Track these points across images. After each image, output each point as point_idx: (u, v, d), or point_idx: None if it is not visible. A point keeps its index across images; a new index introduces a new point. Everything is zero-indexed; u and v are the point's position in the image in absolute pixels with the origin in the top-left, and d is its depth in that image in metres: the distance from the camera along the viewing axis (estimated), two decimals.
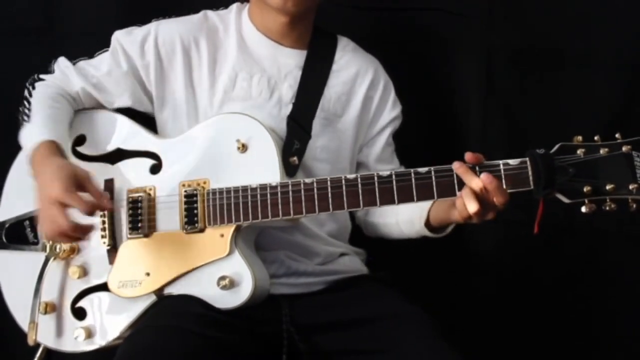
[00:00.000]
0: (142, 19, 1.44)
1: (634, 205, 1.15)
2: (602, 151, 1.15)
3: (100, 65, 1.40)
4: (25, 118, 1.34)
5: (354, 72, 1.45)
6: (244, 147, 1.27)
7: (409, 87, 1.52)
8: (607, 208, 1.15)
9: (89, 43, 1.46)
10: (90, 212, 1.19)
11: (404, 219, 1.37)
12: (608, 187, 1.14)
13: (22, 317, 1.34)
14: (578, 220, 1.59)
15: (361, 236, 1.51)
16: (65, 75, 1.40)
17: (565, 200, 1.16)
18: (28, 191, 1.36)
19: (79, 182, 1.20)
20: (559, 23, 1.63)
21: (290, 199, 1.22)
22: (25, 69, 1.42)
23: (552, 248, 1.65)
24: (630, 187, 1.13)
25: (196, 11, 1.44)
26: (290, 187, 1.23)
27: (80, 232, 1.21)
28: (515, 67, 1.66)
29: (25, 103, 1.37)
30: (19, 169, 1.41)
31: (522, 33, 1.65)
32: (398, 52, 1.65)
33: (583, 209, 1.16)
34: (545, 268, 1.67)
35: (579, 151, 1.16)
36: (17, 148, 1.39)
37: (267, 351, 1.27)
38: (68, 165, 1.23)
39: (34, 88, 1.39)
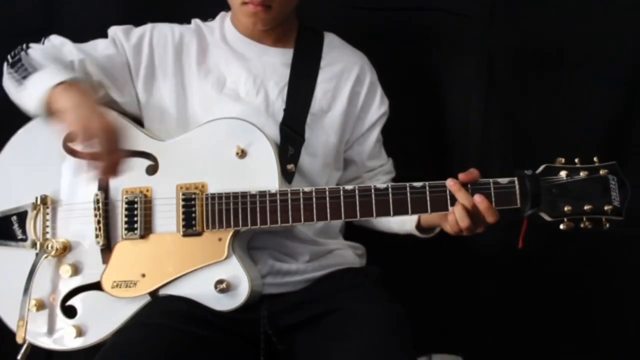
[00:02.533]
0: (141, 20, 1.44)
1: (607, 225, 1.25)
2: (582, 174, 1.24)
3: (96, 46, 1.39)
4: (30, 69, 1.25)
5: (340, 68, 1.47)
6: (243, 153, 1.29)
7: (409, 87, 1.54)
8: (583, 226, 1.25)
9: None
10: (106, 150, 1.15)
11: (395, 219, 1.42)
12: (586, 207, 1.23)
13: (8, 315, 1.33)
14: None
15: (361, 233, 1.52)
16: (57, 48, 1.36)
17: (548, 218, 1.25)
18: (14, 186, 1.37)
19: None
20: (559, 23, 1.65)
21: (290, 207, 1.25)
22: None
23: (551, 249, 1.67)
24: (606, 208, 1.23)
25: (192, 11, 1.47)
26: (289, 195, 1.26)
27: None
28: (516, 67, 1.68)
29: (23, 58, 1.29)
30: (4, 164, 1.38)
31: (522, 33, 1.66)
32: (398, 52, 1.67)
33: (561, 227, 1.24)
34: (544, 269, 1.70)
35: (562, 173, 1.24)
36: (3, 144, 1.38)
37: (248, 351, 1.31)
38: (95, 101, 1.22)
39: (27, 47, 1.32)
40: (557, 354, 1.72)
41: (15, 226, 1.34)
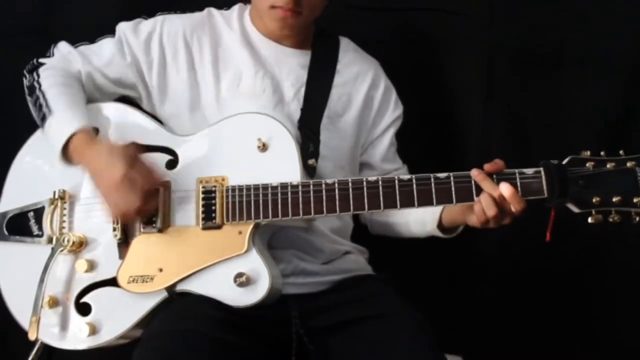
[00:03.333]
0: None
1: (637, 218, 1.22)
2: (609, 165, 1.22)
3: (102, 51, 1.40)
4: (45, 110, 1.31)
5: (355, 72, 1.47)
6: (264, 147, 1.28)
7: (409, 87, 1.53)
8: (611, 220, 1.22)
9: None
10: (152, 184, 1.22)
11: (415, 220, 1.40)
12: (615, 199, 1.20)
13: (21, 313, 1.29)
14: (579, 221, 1.62)
15: (363, 235, 1.52)
16: (66, 59, 1.40)
17: (576, 210, 1.22)
18: (33, 182, 1.36)
19: (134, 156, 1.23)
20: (559, 23, 1.66)
21: (312, 198, 1.23)
22: (25, 69, 1.40)
23: (551, 250, 1.59)
24: (635, 200, 1.20)
25: (197, 9, 1.46)
26: (311, 186, 1.24)
27: (153, 204, 1.23)
28: (516, 66, 1.69)
29: (38, 94, 1.34)
30: (23, 162, 1.38)
31: (522, 33, 1.68)
32: (398, 52, 1.68)
33: (590, 220, 1.21)
34: (544, 269, 1.69)
35: (588, 164, 1.22)
36: (17, 144, 1.38)
37: (277, 352, 1.27)
38: (117, 146, 1.24)
39: (38, 76, 1.37)
40: (557, 354, 1.70)
41: (32, 222, 1.32)
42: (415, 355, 1.19)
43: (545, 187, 1.21)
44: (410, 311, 1.28)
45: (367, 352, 1.23)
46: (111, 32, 1.42)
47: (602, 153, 1.24)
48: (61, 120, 1.29)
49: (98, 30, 1.55)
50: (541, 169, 1.22)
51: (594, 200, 1.21)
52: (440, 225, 1.36)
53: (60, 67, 1.38)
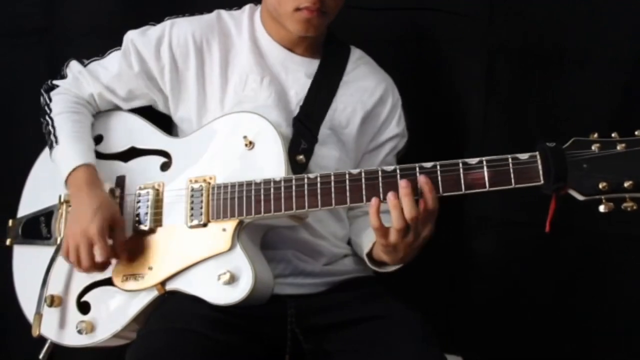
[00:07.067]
0: (141, 19, 1.44)
1: None
2: (619, 147, 1.09)
3: (110, 65, 1.41)
4: (53, 138, 1.36)
5: (363, 87, 1.43)
6: (251, 144, 1.27)
7: (409, 87, 1.51)
8: (628, 208, 1.08)
9: (89, 43, 1.51)
10: (103, 263, 1.26)
11: (360, 244, 1.37)
12: (626, 184, 1.07)
13: (30, 311, 1.35)
14: (578, 221, 1.53)
15: None
16: (78, 81, 1.42)
17: (580, 197, 1.10)
18: (46, 187, 1.43)
19: (113, 226, 1.27)
20: (559, 23, 1.63)
21: (294, 193, 1.20)
22: (25, 69, 1.45)
23: (550, 249, 1.62)
24: None
25: (200, 10, 1.45)
26: (293, 182, 1.21)
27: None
28: (516, 66, 1.66)
29: (48, 119, 1.39)
30: (42, 166, 1.46)
31: (522, 33, 1.65)
32: (398, 52, 1.67)
33: (601, 208, 1.09)
34: (544, 269, 1.66)
35: (594, 146, 1.10)
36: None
37: (271, 351, 1.26)
38: (109, 204, 1.29)
39: (50, 100, 1.40)
40: (557, 354, 1.67)
41: (42, 225, 1.39)
42: (415, 355, 1.18)
43: (541, 172, 1.10)
44: (409, 312, 1.27)
45: (366, 352, 1.22)
46: (111, 32, 1.43)
47: (613, 135, 1.12)
48: (65, 153, 1.33)
49: (98, 31, 1.60)
50: (537, 153, 1.11)
51: (600, 185, 1.08)
52: (370, 255, 1.31)
53: (72, 92, 1.41)
